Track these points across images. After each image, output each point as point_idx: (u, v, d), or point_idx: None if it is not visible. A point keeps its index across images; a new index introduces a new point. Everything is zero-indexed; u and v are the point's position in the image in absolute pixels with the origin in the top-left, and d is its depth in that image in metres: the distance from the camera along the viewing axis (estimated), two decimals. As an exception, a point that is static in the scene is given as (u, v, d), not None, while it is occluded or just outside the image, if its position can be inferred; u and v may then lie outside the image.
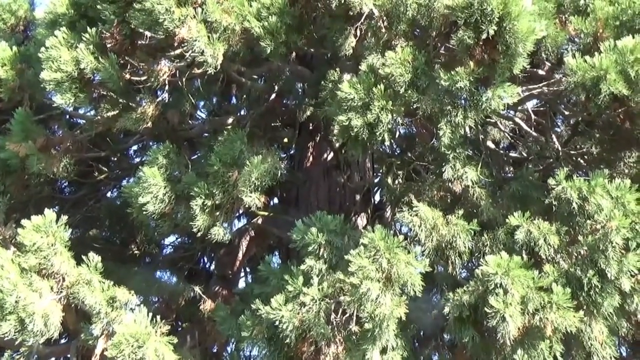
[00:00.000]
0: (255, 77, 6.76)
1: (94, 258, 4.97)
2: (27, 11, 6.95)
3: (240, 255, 7.00)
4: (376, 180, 7.12)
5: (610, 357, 4.99)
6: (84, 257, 4.93)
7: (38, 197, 6.28)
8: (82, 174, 6.51)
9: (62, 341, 5.72)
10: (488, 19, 4.58)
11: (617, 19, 5.16)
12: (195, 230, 5.22)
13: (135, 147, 7.56)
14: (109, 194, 7.48)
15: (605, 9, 5.21)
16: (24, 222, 4.82)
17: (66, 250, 4.91)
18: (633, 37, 4.88)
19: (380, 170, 6.93)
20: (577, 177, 5.04)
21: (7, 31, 6.74)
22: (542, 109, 6.30)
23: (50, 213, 4.92)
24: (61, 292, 4.79)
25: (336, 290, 4.52)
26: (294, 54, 6.26)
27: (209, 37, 5.04)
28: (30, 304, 4.46)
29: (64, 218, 4.99)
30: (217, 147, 5.29)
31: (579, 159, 5.92)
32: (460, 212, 5.28)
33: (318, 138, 7.19)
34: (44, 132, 5.80)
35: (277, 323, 4.52)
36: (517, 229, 4.90)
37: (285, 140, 7.42)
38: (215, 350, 6.68)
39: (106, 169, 6.92)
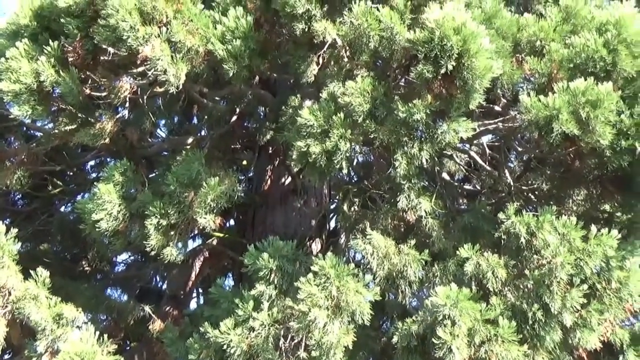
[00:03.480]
0: (217, 98, 6.76)
1: (43, 273, 4.90)
2: (-12, 21, 6.87)
3: (193, 275, 6.96)
4: (332, 207, 7.16)
5: (553, 391, 5.07)
6: (32, 272, 4.86)
7: (-13, 209, 6.18)
8: (36, 187, 6.45)
9: (5, 357, 5.57)
10: (447, 54, 4.65)
11: (571, 61, 5.24)
12: (148, 249, 5.18)
13: (92, 163, 7.51)
14: (62, 209, 7.40)
15: (560, 52, 5.32)
16: (-29, 234, 4.74)
17: (14, 264, 4.84)
18: (585, 80, 4.97)
19: (337, 197, 6.97)
20: (526, 212, 5.09)
21: (-34, 41, 6.64)
22: (496, 144, 6.36)
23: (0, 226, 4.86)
24: (6, 306, 4.70)
25: (285, 316, 4.52)
26: (257, 77, 6.28)
27: (172, 57, 5.04)
28: (-29, 320, 4.37)
29: (14, 231, 4.93)
30: (175, 167, 5.27)
31: (529, 194, 6.01)
32: (413, 241, 5.29)
33: (277, 162, 7.22)
34: (0, 144, 5.72)
35: (225, 347, 4.50)
36: (466, 261, 4.93)
37: (244, 162, 7.44)
38: (162, 372, 6.59)
39: (61, 183, 6.85)
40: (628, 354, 5.81)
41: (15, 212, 6.89)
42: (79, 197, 6.92)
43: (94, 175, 7.19)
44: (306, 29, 5.08)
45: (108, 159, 6.82)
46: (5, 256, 4.77)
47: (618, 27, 5.25)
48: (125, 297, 7.30)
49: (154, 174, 6.26)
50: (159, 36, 4.98)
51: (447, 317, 4.48)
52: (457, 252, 5.05)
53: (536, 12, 6.14)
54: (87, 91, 5.25)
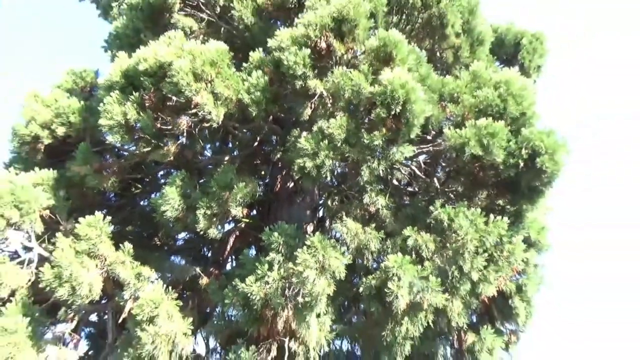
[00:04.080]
0: (245, 130, 6.74)
1: (128, 246, 4.90)
2: (92, 78, 6.85)
3: (228, 247, 6.89)
4: (321, 202, 7.13)
5: (464, 323, 5.10)
6: (120, 245, 4.85)
7: (91, 203, 6.13)
8: (123, 188, 6.38)
9: (102, 301, 5.55)
10: (396, 102, 4.69)
11: (477, 107, 5.27)
12: (198, 230, 5.18)
13: (161, 172, 7.43)
14: (141, 203, 7.30)
15: (470, 100, 5.33)
16: (80, 219, 4.73)
17: (109, 240, 4.84)
18: (486, 119, 5.04)
19: (323, 195, 6.94)
20: (448, 206, 5.12)
21: (78, 90, 6.62)
22: (428, 160, 6.35)
23: (99, 214, 4.87)
24: (103, 268, 4.70)
25: (289, 274, 4.54)
26: (271, 116, 6.28)
27: (214, 103, 5.03)
28: (80, 276, 4.37)
29: (108, 218, 4.92)
30: (216, 175, 5.26)
31: (450, 194, 5.98)
32: (373, 225, 5.32)
33: (284, 172, 7.17)
34: (99, 159, 5.70)
35: (249, 295, 4.52)
36: (408, 238, 4.96)
37: (262, 172, 7.38)
38: (207, 311, 6.55)
39: (140, 186, 6.79)
40: (514, 299, 5.88)
41: (109, 206, 6.79)
42: (152, 196, 6.84)
43: (162, 180, 7.10)
44: (303, 85, 5.07)
45: (172, 170, 6.74)
46: (103, 234, 4.76)
47: (507, 85, 5.31)
48: (183, 262, 7.22)
49: (202, 180, 6.24)
50: (205, 89, 4.97)
51: (395, 275, 4.53)
52: (403, 232, 5.07)
53: (454, 74, 6.13)
54: (158, 125, 5.21)
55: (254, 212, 7.51)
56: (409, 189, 6.95)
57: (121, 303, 4.87)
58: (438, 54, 6.69)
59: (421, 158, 6.36)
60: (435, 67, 6.36)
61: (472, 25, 6.57)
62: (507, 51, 7.59)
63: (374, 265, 5.59)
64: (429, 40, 6.63)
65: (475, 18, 6.65)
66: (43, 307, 4.81)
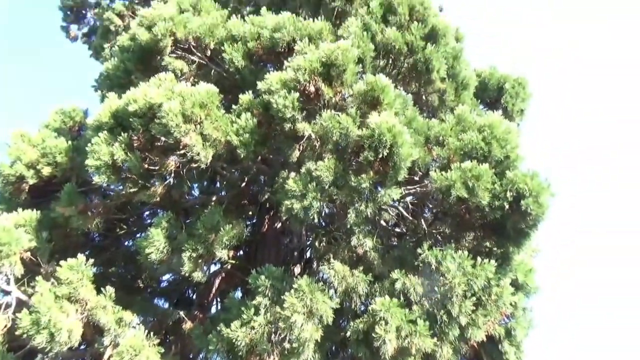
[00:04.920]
0: (233, 170, 6.76)
1: (110, 289, 4.80)
2: (81, 117, 6.86)
3: (213, 289, 6.78)
4: (308, 243, 7.09)
5: (453, 370, 5.00)
6: (102, 289, 4.75)
7: (75, 244, 6.02)
8: (108, 229, 6.30)
9: (81, 347, 5.36)
10: (383, 145, 4.76)
11: (462, 150, 5.34)
12: (183, 273, 5.10)
13: (147, 212, 7.36)
14: (126, 243, 7.19)
15: (455, 143, 5.40)
16: (62, 262, 4.64)
17: (90, 283, 4.73)
18: (471, 162, 5.12)
19: (311, 237, 6.91)
20: (435, 248, 5.12)
21: (66, 130, 6.62)
22: (416, 201, 6.38)
23: (81, 256, 4.79)
24: (83, 313, 4.57)
25: (276, 319, 4.45)
26: (259, 157, 6.31)
27: (203, 144, 5.06)
28: (59, 322, 4.24)
29: (91, 260, 4.84)
30: (203, 217, 5.22)
31: (437, 235, 5.95)
32: (361, 267, 5.26)
33: (272, 213, 7.16)
34: (84, 200, 5.64)
35: (234, 340, 4.42)
36: (396, 281, 4.92)
37: (250, 213, 7.35)
38: (191, 357, 6.36)
39: (125, 227, 6.70)
40: (504, 343, 5.81)
41: (93, 246, 6.67)
42: (138, 236, 6.76)
43: (148, 221, 7.02)
44: (292, 127, 5.13)
45: (158, 210, 6.69)
46: (85, 278, 4.66)
47: (491, 128, 5.42)
48: (166, 305, 7.06)
49: (189, 220, 6.20)
50: (195, 130, 5.01)
51: (382, 318, 4.47)
52: (391, 275, 5.04)
53: (439, 117, 6.27)
54: (146, 166, 5.20)
55: (241, 252, 7.44)
56: (397, 229, 6.96)
57: (101, 349, 4.71)
58: (424, 97, 6.85)
59: (408, 199, 6.41)
60: (422, 110, 6.52)
61: (456, 70, 6.78)
62: (491, 95, 7.81)
63: (362, 309, 5.51)
64: (415, 84, 6.80)
65: (459, 63, 6.86)
66: (19, 354, 4.64)
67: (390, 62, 6.42)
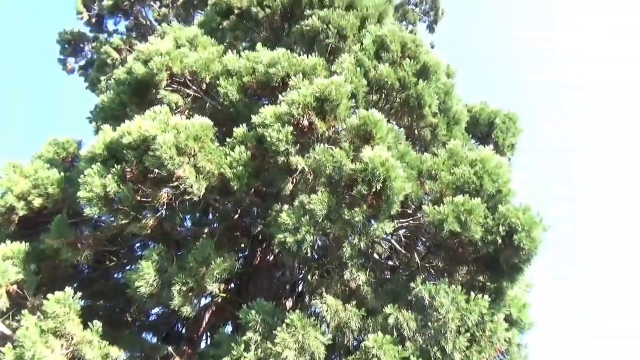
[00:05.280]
0: (226, 202, 6.74)
1: (97, 324, 4.69)
2: (75, 149, 6.90)
3: (203, 324, 6.65)
4: (301, 277, 7.02)
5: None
6: (89, 324, 4.64)
7: (63, 276, 5.92)
8: (98, 261, 6.23)
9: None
10: (376, 179, 4.79)
11: (454, 184, 5.38)
12: (173, 307, 5.01)
13: (138, 244, 7.27)
14: (116, 276, 7.08)
15: (448, 177, 5.45)
16: (49, 296, 4.55)
17: (77, 317, 4.62)
18: (464, 196, 5.16)
19: (304, 270, 6.85)
20: (429, 282, 5.10)
21: (59, 161, 6.63)
22: (409, 234, 6.37)
23: (69, 290, 4.69)
24: (69, 348, 4.45)
25: (267, 355, 4.37)
26: (252, 189, 6.31)
27: (197, 177, 5.07)
28: (44, 358, 4.12)
29: (79, 294, 4.74)
30: (194, 250, 5.18)
31: (431, 269, 5.92)
32: (354, 302, 5.20)
33: (265, 246, 7.10)
34: (75, 232, 5.59)
35: (224, 377, 4.31)
36: (389, 316, 4.85)
37: (243, 245, 7.30)
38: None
39: (115, 259, 6.61)
40: (499, 381, 5.68)
41: (82, 279, 6.57)
42: (128, 268, 6.67)
43: (139, 253, 6.94)
44: (285, 161, 5.18)
45: (150, 242, 6.63)
46: (72, 312, 4.56)
47: (483, 163, 5.48)
48: (155, 340, 6.89)
49: (180, 253, 6.13)
50: (188, 163, 5.03)
51: (375, 356, 4.40)
52: (384, 310, 4.97)
53: (432, 152, 6.33)
54: (138, 198, 5.18)
55: (232, 286, 7.34)
56: (390, 263, 6.92)
57: (86, 387, 4.56)
58: (417, 131, 6.94)
59: (401, 232, 6.40)
60: (414, 144, 6.58)
61: (448, 105, 6.91)
62: (482, 130, 7.94)
63: (355, 345, 5.42)
64: (407, 119, 6.90)
65: (451, 99, 7.00)
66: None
67: (383, 97, 6.53)
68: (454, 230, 5.00)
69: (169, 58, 6.28)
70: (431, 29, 16.78)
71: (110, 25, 14.82)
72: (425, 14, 16.53)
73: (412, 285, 5.09)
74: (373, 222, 5.08)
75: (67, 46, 15.01)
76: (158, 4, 13.95)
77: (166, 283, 4.97)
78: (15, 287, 4.92)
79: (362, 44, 6.59)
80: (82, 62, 15.31)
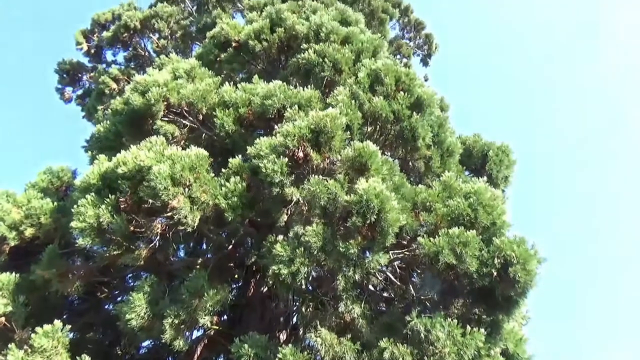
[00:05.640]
0: (220, 232, 6.70)
1: (86, 358, 4.58)
2: (69, 177, 6.89)
3: (195, 357, 6.49)
4: (294, 309, 6.92)
5: None
6: (78, 358, 4.53)
7: (53, 307, 5.81)
8: (88, 292, 6.13)
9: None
10: (371, 211, 4.80)
11: (449, 216, 5.39)
12: (164, 340, 4.91)
13: (130, 275, 7.17)
14: (106, 307, 6.94)
15: (442, 209, 5.46)
16: (37, 329, 4.45)
17: (65, 351, 4.55)
18: (458, 228, 5.16)
19: (298, 302, 6.76)
20: (424, 315, 5.03)
21: (53, 190, 6.61)
22: (404, 266, 6.32)
23: (57, 322, 4.60)
24: (56, 384, 4.33)
25: (259, 391, 4.26)
26: (246, 219, 6.29)
27: (191, 207, 5.06)
28: (29, 394, 3.99)
29: (67, 327, 4.65)
30: (187, 281, 5.12)
31: (426, 302, 5.86)
32: (349, 335, 5.14)
33: (258, 277, 7.03)
34: (66, 262, 5.52)
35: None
36: (385, 350, 4.78)
37: (236, 276, 7.23)
38: None
39: (106, 290, 6.51)
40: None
41: (71, 310, 6.46)
42: (119, 299, 6.55)
43: (131, 283, 6.84)
44: (280, 192, 5.17)
45: (142, 273, 6.55)
46: (60, 346, 4.47)
47: (477, 195, 5.50)
48: (145, 374, 6.73)
49: (173, 284, 6.04)
50: (182, 194, 5.02)
51: (371, 392, 4.29)
52: (379, 343, 4.89)
53: (426, 183, 6.37)
54: (132, 228, 5.15)
55: (225, 317, 7.23)
56: (385, 294, 6.85)
57: None
58: (411, 163, 7.00)
59: (396, 263, 6.37)
60: (409, 175, 6.63)
61: (441, 137, 6.99)
62: (476, 162, 8.01)
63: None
64: (401, 150, 6.97)
65: (444, 131, 7.09)
66: None
67: (378, 129, 6.61)
68: (449, 262, 4.98)
69: (167, 89, 6.36)
70: (425, 62, 17.12)
71: (108, 55, 15.06)
72: (419, 47, 16.90)
73: (408, 318, 5.03)
74: (368, 253, 5.05)
75: (65, 75, 15.16)
76: (157, 35, 14.19)
77: (158, 315, 4.89)
78: (2, 319, 4.82)
79: (356, 77, 6.71)
80: (80, 91, 15.45)
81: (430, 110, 6.81)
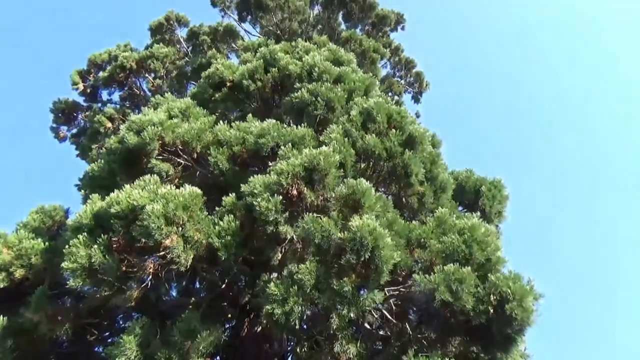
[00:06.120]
0: (213, 271, 6.61)
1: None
2: (62, 217, 6.84)
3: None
4: (289, 348, 6.78)
5: None
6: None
7: (41, 351, 5.64)
8: (78, 334, 5.96)
9: None
10: (365, 248, 4.80)
11: (444, 252, 5.38)
12: (155, 385, 4.78)
13: (121, 315, 7.00)
14: (96, 349, 6.74)
15: (437, 246, 5.45)
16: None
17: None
18: (453, 264, 5.14)
19: (292, 341, 6.62)
20: (421, 354, 4.96)
21: (44, 229, 6.55)
22: (399, 303, 6.23)
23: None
24: None
25: None
26: (240, 258, 6.23)
27: (184, 246, 5.03)
28: None
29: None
30: (179, 322, 5.02)
31: (423, 340, 5.76)
32: (345, 377, 5.04)
33: (252, 316, 6.90)
34: (56, 304, 5.41)
35: None
36: (382, 392, 4.68)
37: (229, 315, 7.09)
38: None
39: (96, 332, 6.33)
40: None
41: (60, 354, 6.24)
42: (110, 340, 6.38)
43: (122, 324, 6.67)
44: (274, 230, 5.17)
45: (133, 314, 6.40)
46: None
47: (471, 231, 5.53)
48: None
49: (166, 323, 5.90)
50: (176, 233, 5.00)
51: None
52: (376, 385, 4.80)
53: (420, 220, 6.38)
54: (124, 268, 5.10)
55: (218, 358, 7.04)
56: (381, 332, 6.73)
57: None
58: (404, 199, 7.03)
59: (392, 300, 6.29)
60: (402, 212, 6.65)
61: (434, 174, 7.06)
62: (469, 197, 8.06)
63: None
64: (394, 186, 7.01)
65: (437, 167, 7.17)
66: None
67: (371, 166, 6.67)
68: (445, 299, 4.94)
69: (162, 128, 6.43)
70: (416, 99, 17.48)
71: (104, 95, 15.25)
72: (410, 85, 17.29)
73: (404, 357, 4.94)
74: (363, 291, 5.01)
75: (60, 115, 15.29)
76: (152, 75, 14.45)
77: (149, 358, 4.78)
78: (-13, 364, 4.67)
79: (349, 115, 6.83)
80: (74, 130, 15.54)
81: (422, 147, 6.91)
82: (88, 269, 4.94)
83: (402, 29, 16.85)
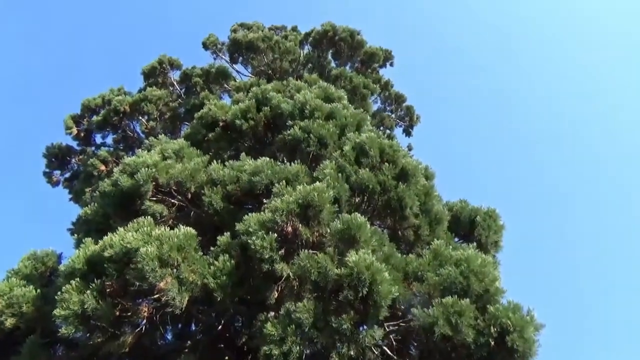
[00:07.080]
0: (209, 312, 6.50)
1: None
2: (54, 262, 6.76)
3: None
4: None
5: None
6: None
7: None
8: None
9: None
10: (362, 284, 4.78)
11: (441, 285, 5.34)
12: None
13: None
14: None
15: (434, 278, 5.41)
16: None
17: None
18: (452, 297, 5.11)
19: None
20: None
21: (36, 275, 6.46)
22: (399, 338, 6.14)
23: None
24: None
25: None
26: (236, 298, 6.14)
27: (179, 288, 4.97)
28: None
29: None
30: (175, 369, 4.92)
31: None
32: (347, 420, 4.88)
33: (250, 357, 6.75)
34: (47, 353, 5.29)
35: None
36: None
37: (227, 358, 6.92)
38: None
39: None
40: None
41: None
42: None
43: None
44: (270, 268, 5.14)
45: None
46: None
47: (468, 262, 5.50)
48: None
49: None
50: (171, 275, 4.95)
51: None
52: None
53: (416, 252, 6.37)
54: (117, 313, 5.03)
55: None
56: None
57: None
58: (400, 232, 7.02)
59: (392, 335, 6.20)
60: (398, 245, 6.63)
61: (429, 205, 7.08)
62: (464, 228, 8.04)
63: None
64: (390, 220, 7.02)
65: (431, 199, 7.20)
66: None
67: (365, 200, 6.70)
68: (445, 333, 4.87)
69: (155, 169, 6.46)
70: (407, 132, 17.73)
71: (98, 138, 15.36)
72: (401, 119, 17.57)
73: (408, 397, 4.82)
74: (361, 328, 4.94)
75: (53, 159, 15.34)
76: (146, 117, 14.62)
77: (143, 407, 4.63)
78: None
79: (342, 151, 6.90)
80: (68, 174, 15.55)
81: (416, 179, 6.96)
82: (81, 315, 4.86)
83: (391, 64, 17.27)
